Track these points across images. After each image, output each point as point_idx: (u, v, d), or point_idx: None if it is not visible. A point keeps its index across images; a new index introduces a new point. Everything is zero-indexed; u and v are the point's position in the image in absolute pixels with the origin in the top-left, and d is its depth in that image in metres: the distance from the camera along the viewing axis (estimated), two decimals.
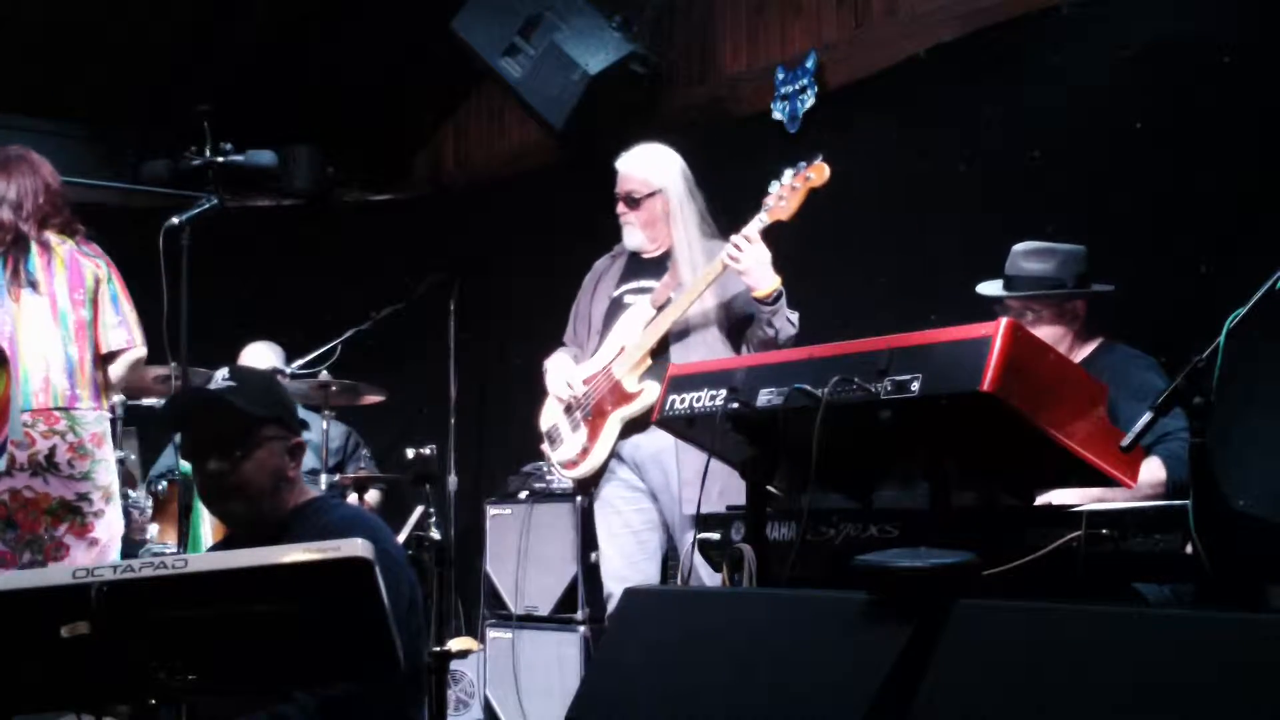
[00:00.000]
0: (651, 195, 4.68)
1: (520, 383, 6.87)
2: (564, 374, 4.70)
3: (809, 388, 2.95)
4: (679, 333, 4.52)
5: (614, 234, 5.14)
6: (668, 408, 3.40)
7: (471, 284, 6.47)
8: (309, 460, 4.01)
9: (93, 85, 6.88)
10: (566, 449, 4.70)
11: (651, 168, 4.72)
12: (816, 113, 5.57)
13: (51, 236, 4.53)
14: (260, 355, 6.54)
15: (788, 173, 4.39)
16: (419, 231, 7.59)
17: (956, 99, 5.17)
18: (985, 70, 5.09)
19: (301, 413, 3.48)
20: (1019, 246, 4.14)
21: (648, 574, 4.57)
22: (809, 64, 5.61)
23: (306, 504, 3.19)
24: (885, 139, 5.36)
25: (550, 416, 4.80)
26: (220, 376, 3.11)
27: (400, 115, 7.70)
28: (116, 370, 4.59)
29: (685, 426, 3.44)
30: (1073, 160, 4.76)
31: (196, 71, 6.79)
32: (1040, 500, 3.25)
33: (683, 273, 4.57)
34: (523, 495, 5.83)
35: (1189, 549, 2.57)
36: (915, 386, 2.78)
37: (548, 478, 5.80)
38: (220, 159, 5.00)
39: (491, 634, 5.79)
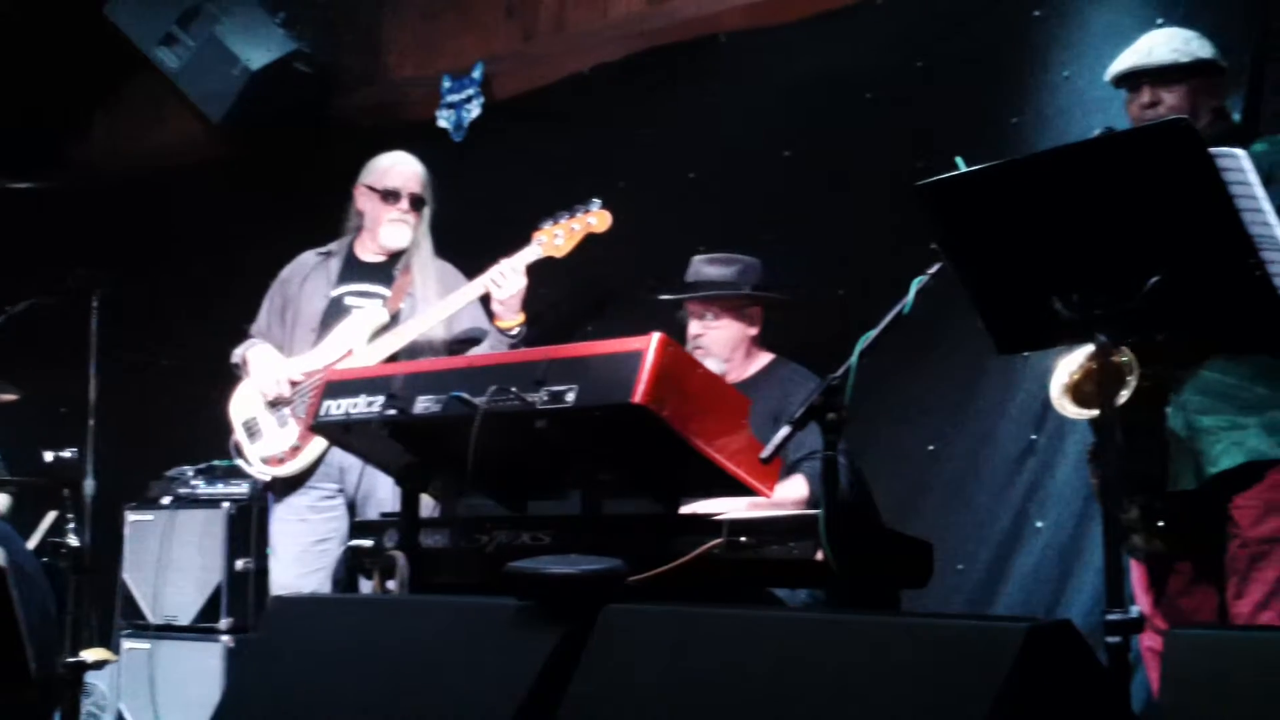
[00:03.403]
0: (426, 203, 4.64)
1: (168, 385, 6.63)
2: (274, 366, 4.54)
3: (467, 396, 2.98)
4: (406, 348, 4.48)
5: (275, 234, 5.04)
6: (323, 413, 3.36)
7: (120, 280, 6.19)
8: None
9: None
10: (270, 444, 4.52)
11: (426, 175, 4.67)
12: (483, 123, 5.61)
13: None
14: None
15: (566, 212, 4.48)
16: (66, 223, 7.18)
17: (618, 117, 5.30)
18: (646, 91, 5.25)
19: None
20: (699, 256, 4.31)
21: (320, 586, 4.46)
22: (476, 74, 5.65)
23: None
24: (548, 153, 5.44)
25: (247, 408, 4.60)
26: None
27: (49, 100, 7.28)
28: None
29: (341, 433, 3.41)
30: (726, 183, 4.95)
31: None
32: (695, 509, 3.36)
33: (417, 284, 4.54)
34: (165, 501, 5.63)
35: (820, 556, 2.72)
36: (570, 397, 2.85)
37: (192, 483, 5.62)
38: None
39: (127, 644, 5.56)
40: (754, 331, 4.28)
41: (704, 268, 4.29)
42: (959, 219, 2.74)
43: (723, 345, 4.21)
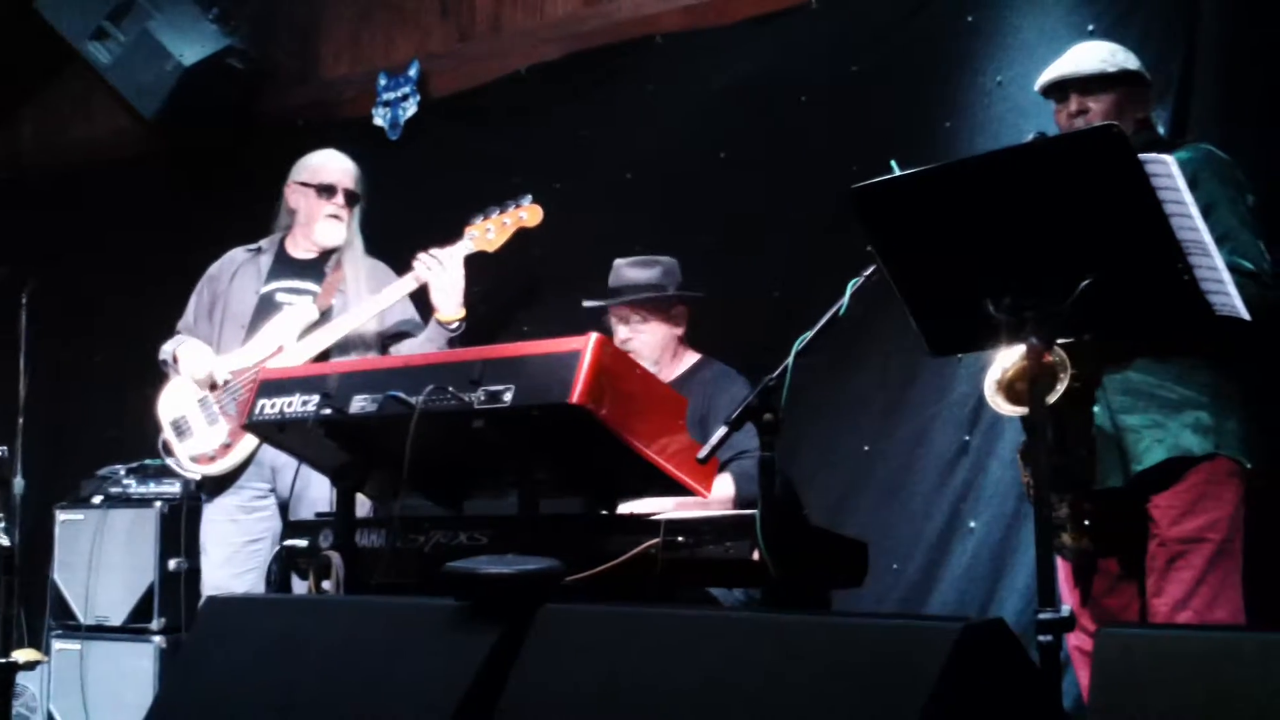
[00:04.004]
0: (359, 199, 4.63)
1: (100, 382, 6.55)
2: (204, 363, 4.49)
3: (403, 395, 2.97)
4: (338, 344, 4.46)
5: (207, 231, 4.99)
6: (257, 412, 3.33)
7: (50, 277, 6.12)
8: None
9: None
10: (200, 442, 4.48)
11: (358, 172, 4.66)
12: (419, 121, 5.60)
13: None
14: None
15: (497, 207, 4.54)
16: None
17: (555, 117, 5.30)
18: (584, 91, 5.25)
19: None
20: (620, 260, 4.33)
21: (253, 587, 4.42)
22: (412, 72, 5.64)
23: None
24: (484, 152, 5.43)
25: (177, 405, 4.56)
26: None
27: None
28: None
29: (276, 432, 3.38)
30: (663, 183, 4.96)
31: None
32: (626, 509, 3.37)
33: (348, 281, 4.53)
34: (96, 500, 5.57)
35: (756, 556, 2.74)
36: (508, 397, 2.85)
37: (124, 482, 5.56)
38: None
39: (57, 645, 5.50)
40: (680, 331, 4.31)
41: (626, 271, 4.31)
42: (892, 222, 2.76)
43: (652, 348, 4.24)
